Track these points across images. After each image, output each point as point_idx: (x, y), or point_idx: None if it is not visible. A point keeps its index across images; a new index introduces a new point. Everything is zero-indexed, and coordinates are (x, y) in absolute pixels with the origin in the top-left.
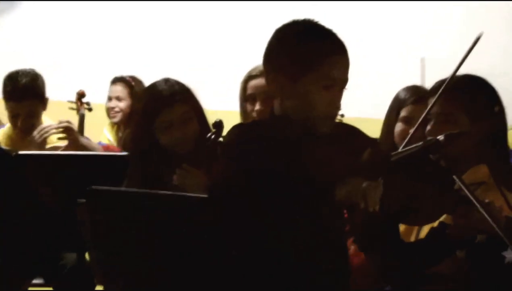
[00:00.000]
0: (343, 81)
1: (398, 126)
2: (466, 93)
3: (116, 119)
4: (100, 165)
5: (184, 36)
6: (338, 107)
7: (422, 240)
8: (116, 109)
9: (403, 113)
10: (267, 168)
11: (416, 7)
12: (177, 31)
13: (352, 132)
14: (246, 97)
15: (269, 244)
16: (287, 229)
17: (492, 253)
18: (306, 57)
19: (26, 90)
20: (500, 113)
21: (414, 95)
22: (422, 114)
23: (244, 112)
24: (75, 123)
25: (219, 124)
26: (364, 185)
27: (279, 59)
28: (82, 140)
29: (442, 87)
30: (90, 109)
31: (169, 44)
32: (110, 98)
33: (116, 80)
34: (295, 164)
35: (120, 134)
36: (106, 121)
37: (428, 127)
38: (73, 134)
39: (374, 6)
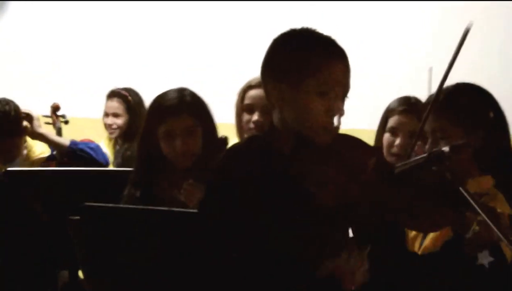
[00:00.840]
0: (344, 87)
1: (385, 137)
2: (454, 105)
3: (114, 136)
4: (92, 181)
5: (176, 47)
6: (338, 113)
7: (434, 253)
8: (114, 126)
9: (390, 123)
10: (266, 185)
11: (425, 17)
12: (167, 41)
13: (355, 143)
14: (244, 108)
15: (265, 261)
16: (285, 246)
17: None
18: (306, 64)
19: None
20: (497, 119)
21: (402, 106)
22: (408, 125)
23: (239, 122)
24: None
25: (223, 141)
26: (352, 262)
27: (278, 68)
28: (39, 129)
29: (443, 86)
30: (66, 122)
31: (160, 56)
32: (107, 114)
33: (112, 95)
34: (295, 176)
35: (117, 147)
36: (85, 132)
37: (426, 146)
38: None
39: (382, 16)
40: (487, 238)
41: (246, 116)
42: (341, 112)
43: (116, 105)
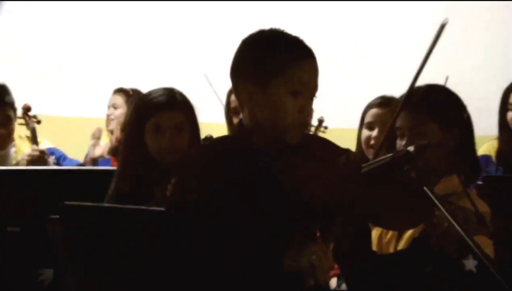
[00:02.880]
0: (312, 87)
1: (363, 133)
2: (434, 103)
3: (111, 127)
4: (73, 180)
5: (175, 47)
6: (308, 115)
7: (403, 250)
8: (112, 117)
9: (366, 119)
10: (235, 183)
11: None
12: (165, 41)
13: (324, 143)
14: (232, 110)
15: (234, 258)
16: (255, 245)
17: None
18: (273, 63)
19: None
20: (468, 120)
21: (377, 100)
22: (383, 116)
23: (230, 124)
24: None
25: (209, 140)
26: (315, 258)
27: (246, 68)
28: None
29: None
30: (38, 122)
31: (158, 57)
32: (108, 108)
33: (116, 91)
34: (265, 176)
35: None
36: (59, 131)
37: (403, 143)
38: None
39: (398, 24)
40: (453, 235)
41: (235, 119)
42: (311, 112)
43: (117, 98)
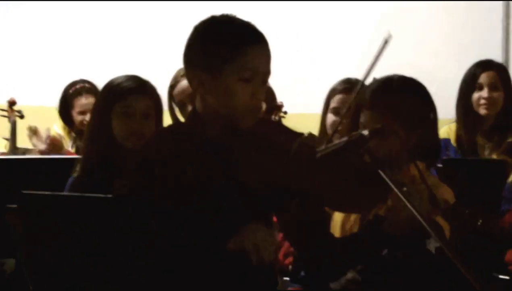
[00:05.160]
0: (264, 73)
1: (329, 118)
2: (401, 102)
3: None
4: (31, 169)
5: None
6: (260, 100)
7: (355, 233)
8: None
9: (332, 104)
10: (187, 170)
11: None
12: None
13: (277, 128)
14: (177, 104)
15: (185, 247)
16: (205, 234)
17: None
18: (224, 49)
19: None
20: (434, 119)
21: (343, 85)
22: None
23: (174, 117)
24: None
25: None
26: (258, 237)
27: (197, 55)
28: None
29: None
30: (22, 117)
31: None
32: None
33: None
34: (217, 162)
35: None
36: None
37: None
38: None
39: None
40: (403, 217)
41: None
42: (263, 97)
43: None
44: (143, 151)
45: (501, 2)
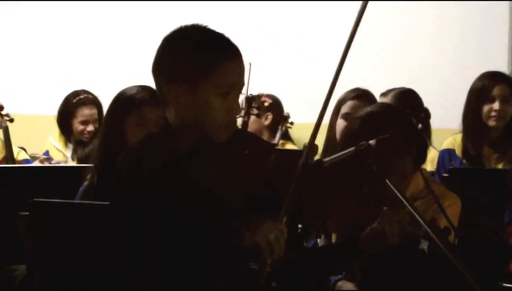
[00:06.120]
0: (240, 86)
1: (339, 124)
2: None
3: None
4: (41, 177)
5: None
6: (237, 113)
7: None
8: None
9: (343, 110)
10: (161, 183)
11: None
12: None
13: (253, 139)
14: None
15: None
16: (184, 245)
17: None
18: (200, 65)
19: None
20: (425, 117)
21: (353, 93)
22: (361, 108)
23: None
24: None
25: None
26: (271, 236)
27: (172, 69)
28: None
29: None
30: (11, 120)
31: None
32: None
33: None
34: (191, 175)
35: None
36: (32, 130)
37: None
38: None
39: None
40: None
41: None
42: (240, 110)
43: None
44: (120, 166)
45: (507, 2)
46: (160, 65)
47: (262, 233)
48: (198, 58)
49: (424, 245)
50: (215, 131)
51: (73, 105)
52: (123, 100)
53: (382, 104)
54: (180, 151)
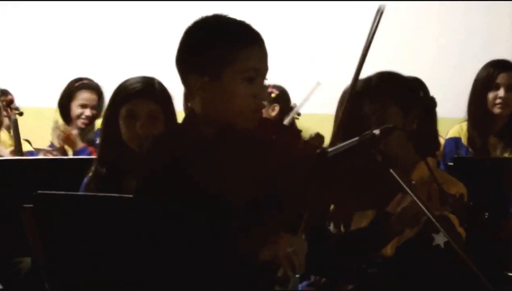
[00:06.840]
0: (265, 71)
1: None
2: (390, 87)
3: None
4: (46, 169)
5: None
6: (263, 99)
7: (363, 228)
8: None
9: None
10: (188, 173)
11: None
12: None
13: (278, 128)
14: None
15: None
16: (209, 237)
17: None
18: (223, 53)
19: None
20: (426, 99)
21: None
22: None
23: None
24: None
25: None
26: (289, 249)
27: (196, 59)
28: None
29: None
30: (21, 114)
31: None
32: None
33: None
34: (219, 164)
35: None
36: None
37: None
38: None
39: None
40: (413, 215)
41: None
42: (265, 96)
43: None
44: (149, 158)
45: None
46: (183, 56)
47: (281, 247)
48: (219, 46)
49: (439, 240)
50: (241, 119)
51: (74, 88)
52: (116, 92)
53: (384, 71)
54: (205, 140)
